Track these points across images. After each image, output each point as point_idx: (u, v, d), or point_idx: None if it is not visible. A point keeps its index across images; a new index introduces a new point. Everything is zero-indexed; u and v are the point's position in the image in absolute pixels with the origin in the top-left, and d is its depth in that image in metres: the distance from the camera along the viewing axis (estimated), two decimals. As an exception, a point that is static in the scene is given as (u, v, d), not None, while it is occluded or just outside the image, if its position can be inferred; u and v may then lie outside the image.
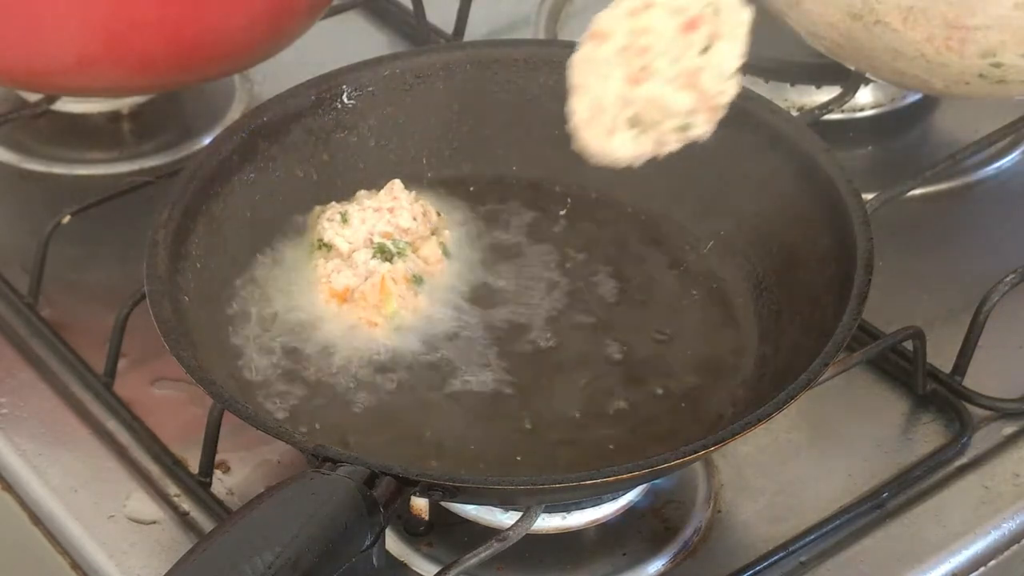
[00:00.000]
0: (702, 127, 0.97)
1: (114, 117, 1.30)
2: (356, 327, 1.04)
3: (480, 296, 1.07)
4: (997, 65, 1.13)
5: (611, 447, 0.98)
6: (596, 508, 0.99)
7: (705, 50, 0.95)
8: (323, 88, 1.12)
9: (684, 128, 0.96)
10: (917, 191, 1.20)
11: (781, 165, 1.08)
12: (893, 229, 1.16)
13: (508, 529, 0.92)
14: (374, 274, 1.05)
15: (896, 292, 1.15)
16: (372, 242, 1.07)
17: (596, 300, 1.08)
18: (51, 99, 1.26)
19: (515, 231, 1.12)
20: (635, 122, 0.96)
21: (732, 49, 0.96)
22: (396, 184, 1.10)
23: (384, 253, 1.06)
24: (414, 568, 0.98)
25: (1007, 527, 1.02)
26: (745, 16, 0.97)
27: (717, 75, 0.96)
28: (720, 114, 0.97)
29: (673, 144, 0.97)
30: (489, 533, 0.94)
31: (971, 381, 1.10)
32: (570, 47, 1.16)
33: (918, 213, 1.24)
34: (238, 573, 0.79)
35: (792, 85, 1.30)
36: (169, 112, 1.31)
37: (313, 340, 1.03)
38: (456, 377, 1.02)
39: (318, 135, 1.12)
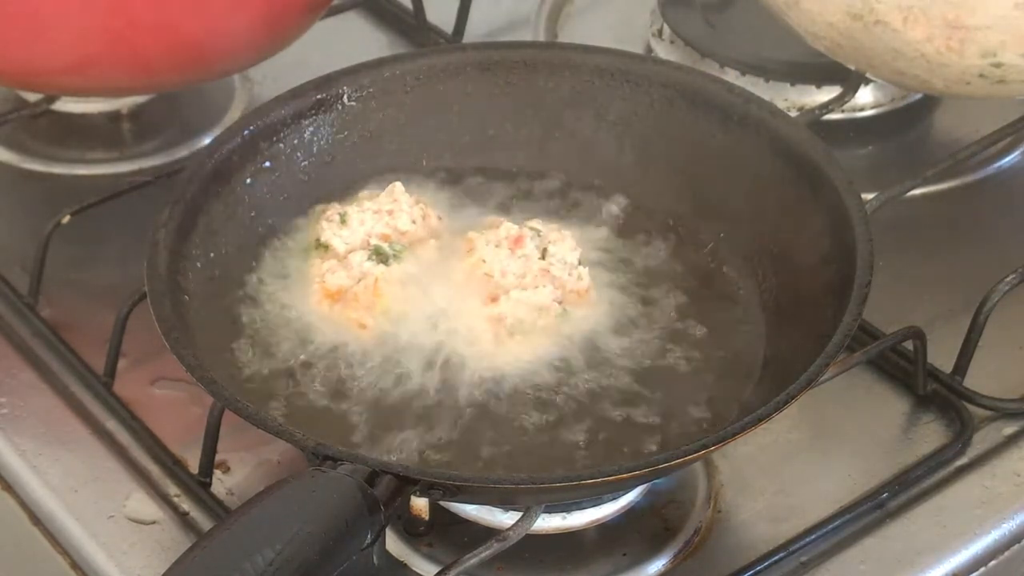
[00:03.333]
0: (583, 309, 1.04)
1: (114, 117, 1.30)
2: (346, 328, 1.03)
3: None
4: (997, 65, 1.13)
5: (610, 447, 0.97)
6: (596, 508, 0.99)
7: (543, 254, 1.04)
8: (324, 89, 1.12)
9: (565, 314, 1.03)
10: (917, 191, 1.20)
11: (781, 166, 1.08)
12: (893, 229, 1.16)
13: (508, 529, 0.92)
14: (367, 276, 1.05)
15: (896, 292, 1.15)
16: (369, 244, 1.06)
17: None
18: (51, 99, 1.26)
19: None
20: (514, 330, 1.02)
21: (566, 243, 1.05)
22: (397, 186, 1.10)
23: (379, 255, 1.06)
24: (414, 568, 0.98)
25: (1007, 527, 1.02)
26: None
27: (563, 265, 1.04)
28: (589, 296, 1.04)
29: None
30: (489, 533, 0.93)
31: (971, 381, 1.10)
32: (570, 49, 1.18)
33: (918, 213, 1.24)
34: (239, 571, 0.79)
35: (792, 85, 1.30)
36: (169, 112, 1.31)
37: (305, 340, 1.03)
38: (448, 378, 1.01)
39: (318, 136, 1.12)
